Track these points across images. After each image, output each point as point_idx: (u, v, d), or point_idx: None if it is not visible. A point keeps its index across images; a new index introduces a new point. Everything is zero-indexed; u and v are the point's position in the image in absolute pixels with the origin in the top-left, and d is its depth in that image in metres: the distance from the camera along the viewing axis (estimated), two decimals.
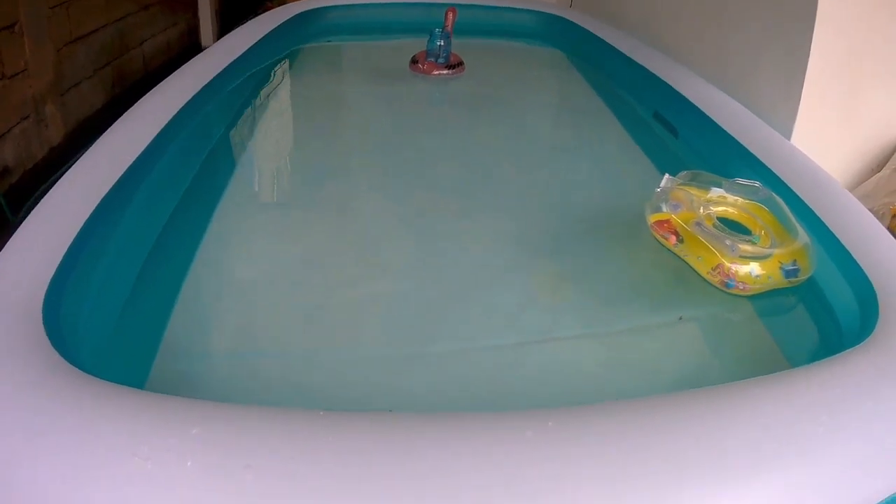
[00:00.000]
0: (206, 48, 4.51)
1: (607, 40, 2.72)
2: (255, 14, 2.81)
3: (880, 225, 1.41)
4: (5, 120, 2.73)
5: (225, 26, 4.85)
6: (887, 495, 0.83)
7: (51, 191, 1.30)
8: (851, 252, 1.31)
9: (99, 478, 0.71)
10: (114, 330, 1.18)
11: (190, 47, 4.69)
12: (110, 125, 1.41)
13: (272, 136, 2.19)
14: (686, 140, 2.04)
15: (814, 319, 1.32)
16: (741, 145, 1.80)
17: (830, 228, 1.40)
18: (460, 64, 2.64)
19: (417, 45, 2.68)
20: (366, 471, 0.73)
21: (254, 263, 1.45)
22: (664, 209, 1.44)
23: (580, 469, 0.75)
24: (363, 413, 0.82)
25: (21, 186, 2.80)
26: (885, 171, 2.14)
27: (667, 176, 1.49)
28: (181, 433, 0.75)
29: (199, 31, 4.88)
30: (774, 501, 0.77)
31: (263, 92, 2.46)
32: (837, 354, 1.00)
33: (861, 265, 1.26)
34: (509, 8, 3.33)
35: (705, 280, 1.35)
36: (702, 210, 1.41)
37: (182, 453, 0.73)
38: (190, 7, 4.74)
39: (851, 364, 0.97)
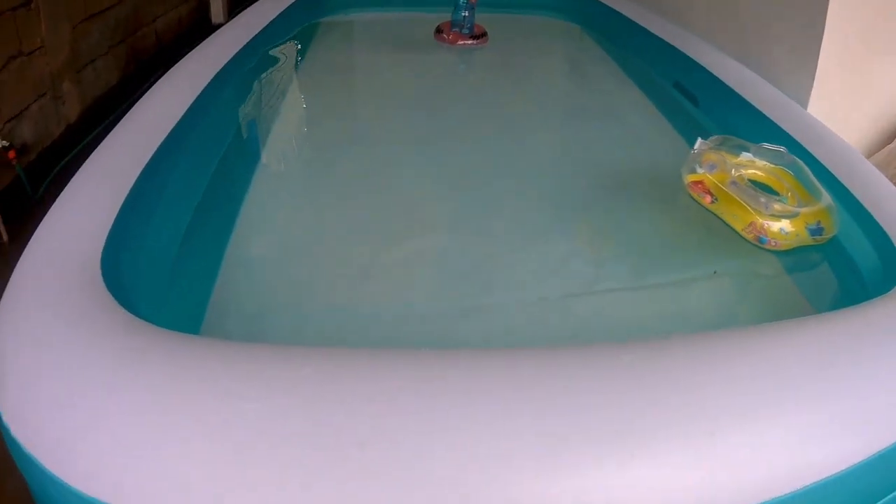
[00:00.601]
0: (216, 24, 4.53)
1: (625, 14, 2.75)
2: None
3: (893, 186, 1.46)
4: (23, 97, 2.75)
5: (234, 3, 4.86)
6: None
7: (99, 147, 1.34)
8: (872, 213, 1.36)
9: (197, 424, 0.75)
10: (166, 288, 1.22)
11: (201, 24, 4.70)
12: (126, 102, 1.43)
13: (302, 104, 2.22)
14: (706, 108, 2.07)
15: (839, 275, 1.37)
16: (761, 113, 1.84)
17: (851, 191, 1.44)
18: (484, 34, 2.68)
19: (438, 17, 2.72)
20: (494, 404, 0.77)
21: (297, 224, 1.49)
22: (699, 170, 1.50)
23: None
24: (465, 349, 0.86)
25: (40, 163, 2.83)
26: None
27: (700, 139, 1.56)
28: (282, 378, 0.79)
29: (210, 7, 4.89)
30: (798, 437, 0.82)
31: (289, 63, 2.48)
32: (861, 304, 1.04)
33: (882, 225, 1.31)
34: None
35: (738, 237, 1.41)
36: (733, 172, 1.46)
37: (288, 395, 0.76)
38: None
39: (874, 312, 1.02)
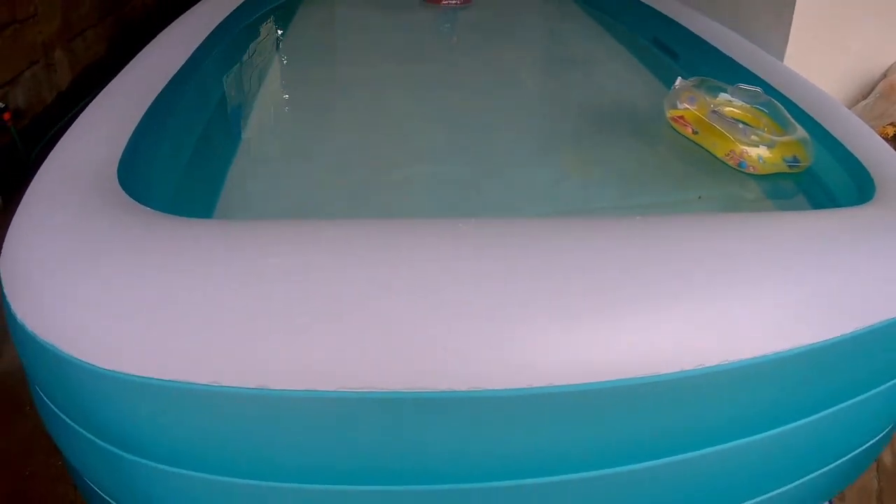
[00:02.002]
0: None
1: None
2: None
3: (865, 124, 1.55)
4: (17, 64, 2.78)
5: None
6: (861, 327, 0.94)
7: (113, 80, 1.39)
8: (844, 143, 1.44)
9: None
10: (174, 195, 1.28)
11: None
12: (115, 71, 1.49)
13: (296, 53, 2.29)
14: (685, 61, 2.15)
15: (816, 198, 1.44)
16: (738, 63, 1.91)
17: (823, 125, 1.53)
18: None
19: None
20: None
21: (294, 152, 1.56)
22: (679, 106, 1.57)
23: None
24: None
25: (32, 129, 2.85)
26: (871, 98, 2.27)
27: (679, 78, 1.64)
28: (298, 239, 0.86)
29: None
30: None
31: (282, 21, 2.54)
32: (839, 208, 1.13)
33: (854, 153, 1.39)
34: None
35: (720, 165, 1.49)
36: (711, 107, 1.54)
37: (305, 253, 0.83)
38: None
39: (852, 214, 1.11)
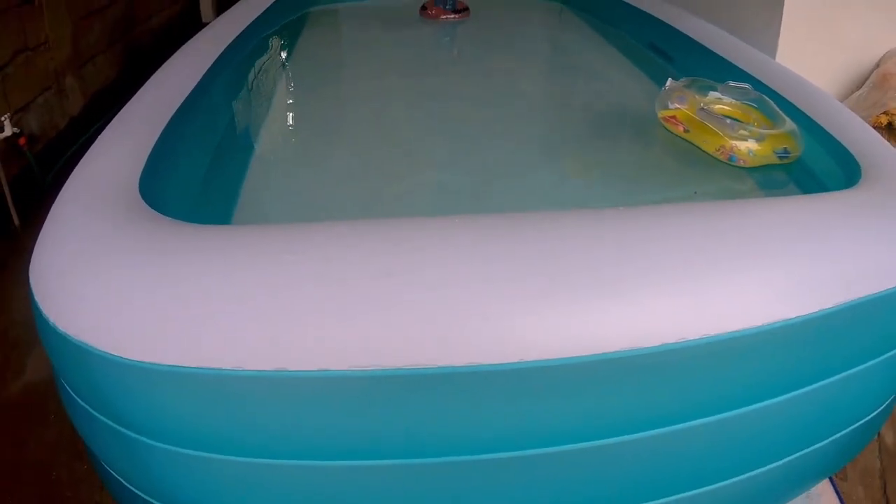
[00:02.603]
0: (205, 23, 4.64)
1: None
2: None
3: (852, 112, 1.60)
4: (30, 90, 2.87)
5: (222, 3, 4.99)
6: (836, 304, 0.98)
7: (131, 100, 1.47)
8: (833, 134, 1.49)
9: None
10: (192, 207, 1.34)
11: (192, 23, 4.83)
12: (125, 97, 1.57)
13: (302, 72, 2.35)
14: (680, 63, 2.20)
15: (808, 186, 1.49)
16: (731, 63, 1.97)
17: (812, 117, 1.58)
18: (466, 9, 2.85)
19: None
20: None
21: (306, 164, 1.63)
22: (670, 106, 1.63)
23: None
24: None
25: (46, 154, 2.94)
26: (864, 89, 2.32)
27: (670, 79, 1.69)
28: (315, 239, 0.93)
29: (200, 7, 5.03)
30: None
31: (287, 43, 2.62)
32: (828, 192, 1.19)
33: (841, 141, 1.44)
34: None
35: (713, 161, 1.55)
36: (700, 105, 1.59)
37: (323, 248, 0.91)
38: None
39: (838, 197, 1.17)
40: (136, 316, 0.84)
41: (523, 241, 0.93)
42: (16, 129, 2.61)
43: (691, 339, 0.86)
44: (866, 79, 2.36)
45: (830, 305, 0.97)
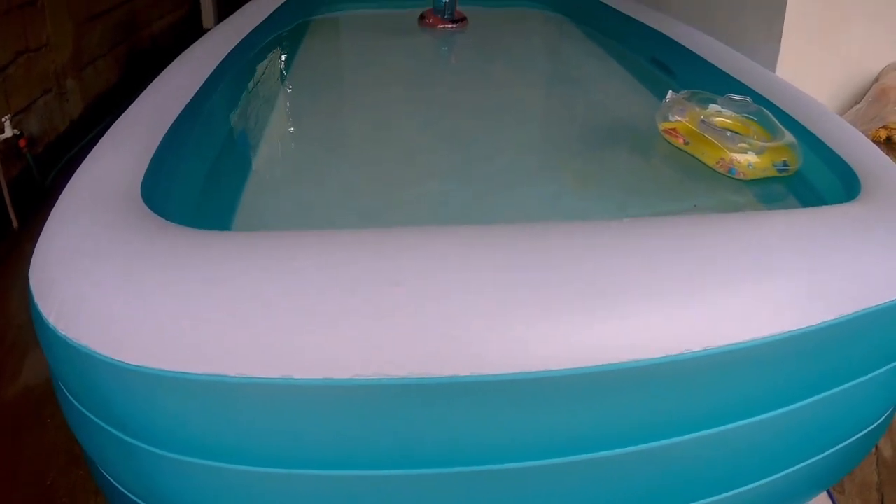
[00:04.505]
0: (206, 29, 4.67)
1: (604, 1, 2.91)
2: None
3: (851, 126, 1.60)
4: (31, 92, 2.87)
5: (223, 10, 5.00)
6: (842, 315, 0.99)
7: (133, 104, 1.47)
8: (832, 147, 1.50)
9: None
10: (194, 212, 1.35)
11: (193, 28, 4.84)
12: (125, 101, 1.57)
13: (303, 78, 2.36)
14: (680, 76, 2.21)
15: (807, 199, 1.50)
16: (730, 76, 1.98)
17: (812, 131, 1.58)
18: (464, 18, 2.87)
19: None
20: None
21: (307, 172, 1.63)
22: (671, 118, 1.64)
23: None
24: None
25: (45, 156, 2.94)
26: (863, 103, 2.33)
27: (671, 92, 1.70)
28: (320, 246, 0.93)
29: (202, 14, 5.04)
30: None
31: (288, 50, 2.62)
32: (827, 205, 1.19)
33: (840, 154, 1.45)
34: None
35: (713, 174, 1.55)
36: (701, 117, 1.60)
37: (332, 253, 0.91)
38: None
39: (838, 211, 1.17)
40: (137, 320, 0.84)
41: (527, 252, 0.93)
42: (16, 131, 2.61)
43: (693, 350, 0.86)
44: (865, 93, 2.37)
45: (831, 318, 0.97)
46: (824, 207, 1.20)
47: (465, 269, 0.89)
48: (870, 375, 1.11)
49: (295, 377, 0.79)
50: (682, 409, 0.93)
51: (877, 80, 2.42)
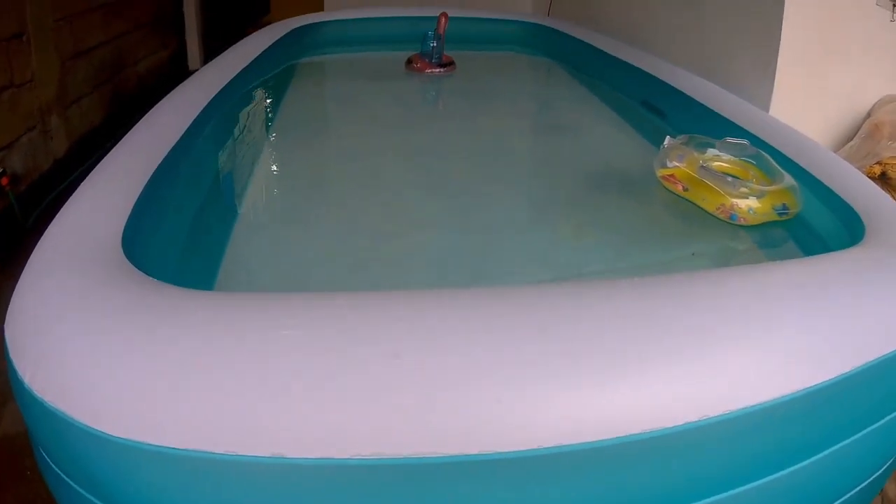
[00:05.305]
0: (192, 70, 4.67)
1: (592, 43, 2.91)
2: (242, 37, 2.95)
3: (851, 166, 1.58)
4: (14, 128, 2.83)
5: (209, 51, 5.00)
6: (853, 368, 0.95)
7: (114, 149, 1.42)
8: (832, 188, 1.48)
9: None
10: (177, 264, 1.30)
11: (179, 69, 4.83)
12: (110, 140, 1.52)
13: (288, 125, 2.31)
14: (673, 120, 2.20)
15: (806, 244, 1.47)
16: (725, 118, 1.96)
17: (812, 172, 1.57)
18: (452, 63, 2.84)
19: (408, 55, 2.89)
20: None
21: (293, 222, 1.57)
22: (669, 165, 1.61)
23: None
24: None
25: (28, 195, 2.88)
26: (856, 140, 2.32)
27: (668, 137, 1.67)
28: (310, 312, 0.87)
29: (188, 54, 5.03)
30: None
31: (274, 94, 2.59)
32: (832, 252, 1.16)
33: (842, 196, 1.43)
34: (490, 19, 3.52)
35: (712, 219, 1.52)
36: (700, 162, 1.58)
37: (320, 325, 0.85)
38: (177, 30, 4.89)
39: (843, 257, 1.14)
40: (118, 387, 0.78)
41: (536, 318, 0.88)
42: None
43: (712, 416, 0.81)
44: (858, 129, 2.37)
45: (847, 370, 0.93)
46: (832, 255, 1.17)
47: (469, 339, 0.84)
48: (877, 424, 1.07)
49: (287, 456, 0.73)
50: (692, 475, 0.87)
51: (869, 115, 2.41)
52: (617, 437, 0.78)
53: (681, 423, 0.80)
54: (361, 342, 0.82)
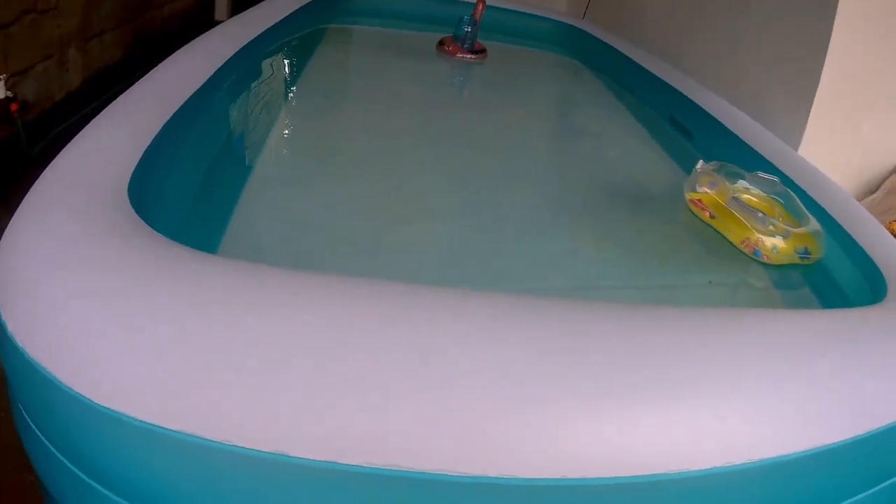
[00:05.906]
0: (217, 21, 4.60)
1: (622, 51, 2.86)
2: None
3: (877, 221, 1.55)
4: (31, 55, 2.76)
5: (237, 4, 4.92)
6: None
7: (131, 88, 1.37)
8: (857, 240, 1.45)
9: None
10: (184, 219, 1.25)
11: (205, 19, 4.75)
12: (126, 80, 1.45)
13: (310, 93, 2.25)
14: (700, 142, 2.16)
15: (824, 292, 1.44)
16: (754, 150, 1.92)
17: (836, 219, 1.53)
18: (483, 51, 2.78)
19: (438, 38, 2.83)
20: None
21: (304, 193, 1.52)
22: (699, 189, 1.58)
23: None
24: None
25: (37, 124, 2.82)
26: (879, 193, 2.29)
27: (701, 161, 1.64)
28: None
29: (215, 4, 4.95)
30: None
31: (300, 58, 2.52)
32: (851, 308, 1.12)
33: (866, 250, 1.40)
34: (527, 14, 3.45)
35: (735, 251, 1.48)
36: (731, 193, 1.54)
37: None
38: None
39: (868, 314, 1.10)
40: (112, 353, 0.72)
41: (573, 339, 0.84)
42: (9, 93, 2.49)
43: (737, 462, 0.78)
44: (882, 182, 2.33)
45: (867, 430, 0.90)
46: (854, 310, 1.13)
47: (504, 349, 0.79)
48: (890, 481, 1.04)
49: (290, 455, 0.68)
50: None
51: (894, 171, 2.37)
52: (656, 474, 0.75)
53: (705, 467, 0.76)
54: (390, 340, 0.77)
